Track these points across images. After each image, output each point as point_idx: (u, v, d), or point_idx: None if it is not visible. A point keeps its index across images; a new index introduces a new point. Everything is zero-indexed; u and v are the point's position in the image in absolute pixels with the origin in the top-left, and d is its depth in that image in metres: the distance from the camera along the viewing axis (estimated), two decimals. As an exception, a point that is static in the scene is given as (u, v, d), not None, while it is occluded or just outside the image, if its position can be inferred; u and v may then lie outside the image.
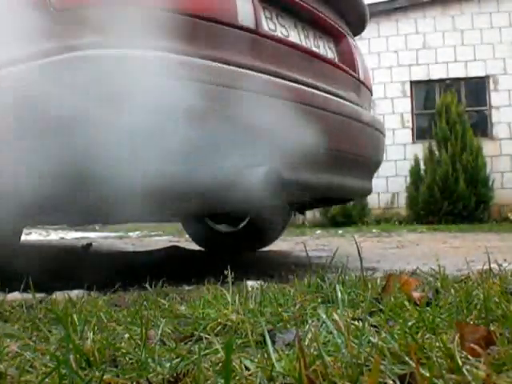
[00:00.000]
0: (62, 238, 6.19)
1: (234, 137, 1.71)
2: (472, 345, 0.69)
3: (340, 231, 7.30)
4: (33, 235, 6.59)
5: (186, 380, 0.67)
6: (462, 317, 0.93)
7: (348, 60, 2.51)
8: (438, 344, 0.72)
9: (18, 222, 1.90)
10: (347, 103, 2.33)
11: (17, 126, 1.58)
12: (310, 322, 0.96)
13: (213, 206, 2.01)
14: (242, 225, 3.49)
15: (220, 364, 0.74)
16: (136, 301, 1.29)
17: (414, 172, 9.43)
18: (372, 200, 9.71)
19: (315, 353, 0.69)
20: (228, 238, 3.58)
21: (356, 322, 0.90)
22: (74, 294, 1.48)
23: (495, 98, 10.23)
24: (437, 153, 9.24)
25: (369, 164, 2.61)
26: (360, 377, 0.62)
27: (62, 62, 1.50)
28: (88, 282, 1.56)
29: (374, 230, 7.26)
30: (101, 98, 1.49)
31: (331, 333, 0.78)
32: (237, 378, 0.67)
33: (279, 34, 2.02)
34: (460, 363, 0.62)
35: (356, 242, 1.28)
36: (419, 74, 10.55)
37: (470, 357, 0.67)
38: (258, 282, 1.48)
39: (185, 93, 1.58)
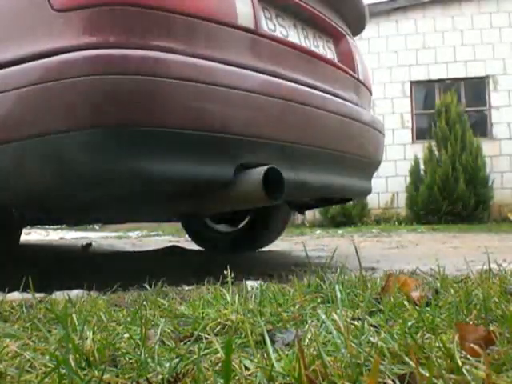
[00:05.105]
0: (62, 238, 6.19)
1: (234, 136, 1.71)
2: (472, 345, 0.69)
3: (340, 231, 7.31)
4: (33, 235, 6.59)
5: (185, 380, 0.67)
6: (462, 317, 0.93)
7: (347, 60, 2.51)
8: (437, 344, 0.72)
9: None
10: (347, 103, 2.33)
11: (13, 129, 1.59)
12: (309, 321, 0.96)
13: (212, 205, 2.01)
14: (241, 225, 3.49)
15: (220, 364, 0.74)
16: (136, 301, 1.29)
17: (414, 172, 9.43)
18: (372, 200, 9.71)
19: (315, 353, 0.69)
20: (228, 238, 3.58)
21: (355, 322, 0.90)
22: (74, 293, 1.48)
23: (495, 98, 10.24)
24: (436, 153, 9.25)
25: (368, 164, 2.62)
26: (360, 377, 0.62)
27: (61, 63, 1.50)
28: (88, 282, 1.56)
29: (373, 230, 7.27)
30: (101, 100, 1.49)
31: (331, 333, 0.78)
32: (236, 377, 0.67)
33: (279, 34, 2.03)
34: (460, 363, 0.62)
35: (354, 243, 1.28)
36: (419, 74, 10.55)
37: (469, 357, 0.67)
38: (258, 282, 1.48)
39: (183, 93, 1.58)
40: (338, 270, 1.41)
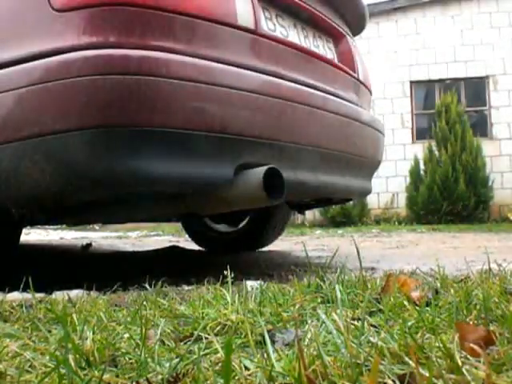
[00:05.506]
0: (62, 238, 6.19)
1: (234, 136, 1.71)
2: (472, 345, 0.69)
3: (340, 231, 7.31)
4: (33, 235, 6.59)
5: (185, 380, 0.67)
6: (462, 317, 0.94)
7: (347, 60, 2.51)
8: (437, 344, 0.72)
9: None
10: (346, 103, 2.33)
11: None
12: (309, 321, 0.96)
13: (212, 206, 2.01)
14: (241, 225, 3.49)
15: (219, 364, 0.74)
16: (136, 301, 1.29)
17: (414, 172, 9.43)
18: (372, 200, 9.72)
19: (315, 353, 0.69)
20: (228, 238, 3.58)
21: (355, 322, 0.90)
22: (74, 293, 1.48)
23: (495, 98, 10.25)
24: (437, 153, 9.26)
25: (368, 164, 2.62)
26: (359, 377, 0.62)
27: (61, 63, 1.50)
28: (88, 282, 1.56)
29: (373, 230, 7.27)
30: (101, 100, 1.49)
31: (331, 333, 0.78)
32: (236, 377, 0.67)
33: (279, 34, 2.03)
34: (460, 363, 0.62)
35: (355, 243, 1.28)
36: (419, 74, 10.56)
37: (469, 357, 0.67)
38: (258, 282, 1.48)
39: (183, 93, 1.58)
40: (338, 270, 1.41)
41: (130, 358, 0.77)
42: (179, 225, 4.21)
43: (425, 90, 10.88)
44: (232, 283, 1.27)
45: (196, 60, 1.62)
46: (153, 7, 1.58)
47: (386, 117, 10.02)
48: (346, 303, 1.10)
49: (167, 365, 0.72)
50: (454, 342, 0.74)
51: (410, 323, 0.88)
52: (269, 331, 0.86)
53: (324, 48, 2.35)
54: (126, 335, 0.89)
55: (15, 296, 1.41)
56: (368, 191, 2.78)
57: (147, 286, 1.44)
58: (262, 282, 1.47)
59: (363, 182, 2.64)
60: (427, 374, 0.56)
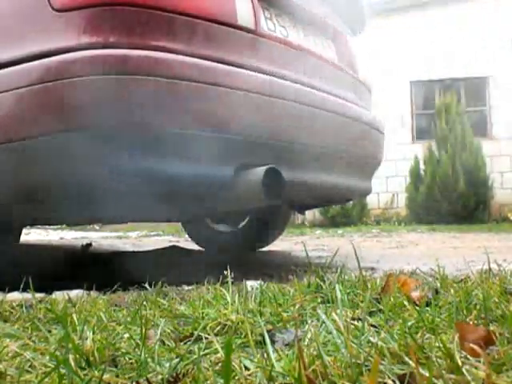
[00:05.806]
0: (62, 238, 6.19)
1: (234, 136, 1.71)
2: (471, 345, 0.69)
3: (340, 231, 7.31)
4: (33, 235, 6.59)
5: (185, 380, 0.67)
6: (462, 317, 0.94)
7: (347, 60, 2.51)
8: (437, 344, 0.72)
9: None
10: (347, 103, 2.33)
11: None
12: (309, 321, 0.96)
13: (212, 206, 2.01)
14: (241, 225, 3.49)
15: (219, 364, 0.74)
16: (136, 301, 1.29)
17: (414, 172, 9.43)
18: (372, 200, 9.72)
19: (315, 353, 0.69)
20: (228, 238, 3.58)
21: (355, 322, 0.90)
22: (74, 293, 1.48)
23: (495, 97, 10.24)
24: (436, 153, 9.25)
25: (368, 164, 2.62)
26: (360, 377, 0.62)
27: (61, 63, 1.50)
28: (88, 282, 1.56)
29: (373, 230, 7.26)
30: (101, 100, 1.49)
31: (331, 333, 0.78)
32: (236, 377, 0.67)
33: (279, 34, 2.02)
34: (459, 363, 0.63)
35: (353, 245, 1.28)
36: (419, 74, 10.55)
37: (469, 357, 0.67)
38: (258, 282, 1.48)
39: (183, 93, 1.58)
40: (338, 270, 1.41)
41: (130, 358, 0.77)
42: (179, 225, 4.20)
43: (425, 90, 10.88)
44: (232, 283, 1.27)
45: (196, 60, 1.62)
46: (153, 7, 1.58)
47: (386, 117, 10.01)
48: (345, 303, 1.10)
49: (167, 365, 0.72)
50: (454, 342, 0.74)
51: (410, 323, 0.88)
52: (269, 331, 0.86)
53: (324, 48, 2.35)
54: (126, 335, 0.89)
55: (15, 296, 1.41)
56: (368, 191, 2.78)
57: (147, 286, 1.43)
58: (262, 282, 1.47)
59: (363, 181, 2.64)
60: (427, 374, 0.56)
